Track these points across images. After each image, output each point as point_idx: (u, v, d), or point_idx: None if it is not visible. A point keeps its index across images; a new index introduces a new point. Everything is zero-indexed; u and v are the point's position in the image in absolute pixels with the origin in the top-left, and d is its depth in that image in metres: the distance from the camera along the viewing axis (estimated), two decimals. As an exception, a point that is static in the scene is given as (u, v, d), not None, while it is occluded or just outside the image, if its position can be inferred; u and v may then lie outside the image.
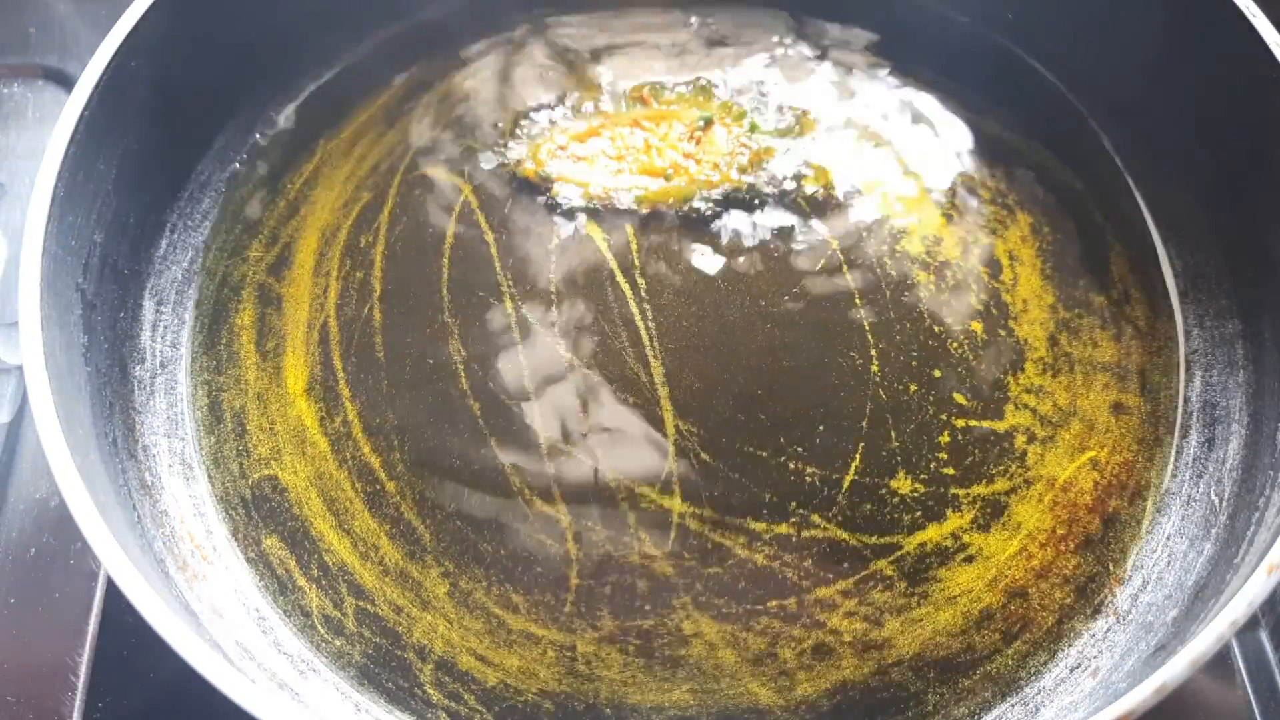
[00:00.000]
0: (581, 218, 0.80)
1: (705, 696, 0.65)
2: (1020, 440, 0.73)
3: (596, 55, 0.88)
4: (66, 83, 0.90)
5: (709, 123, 0.84)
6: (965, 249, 0.80)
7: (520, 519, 0.70)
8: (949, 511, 0.71)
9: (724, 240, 0.80)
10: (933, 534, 0.70)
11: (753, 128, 0.82)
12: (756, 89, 0.86)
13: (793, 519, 0.70)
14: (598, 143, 0.83)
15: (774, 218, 0.80)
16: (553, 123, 0.84)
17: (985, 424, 0.74)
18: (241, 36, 0.79)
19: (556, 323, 0.77)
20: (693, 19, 0.90)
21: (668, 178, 0.81)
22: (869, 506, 0.71)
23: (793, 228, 0.80)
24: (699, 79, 0.87)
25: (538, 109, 0.85)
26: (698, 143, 0.83)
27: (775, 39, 0.89)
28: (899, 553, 0.69)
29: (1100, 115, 0.85)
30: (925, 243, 0.80)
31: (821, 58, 0.89)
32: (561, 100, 0.85)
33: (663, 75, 0.87)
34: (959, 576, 0.69)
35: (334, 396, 0.74)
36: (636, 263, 0.79)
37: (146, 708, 0.70)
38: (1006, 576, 0.69)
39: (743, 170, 0.82)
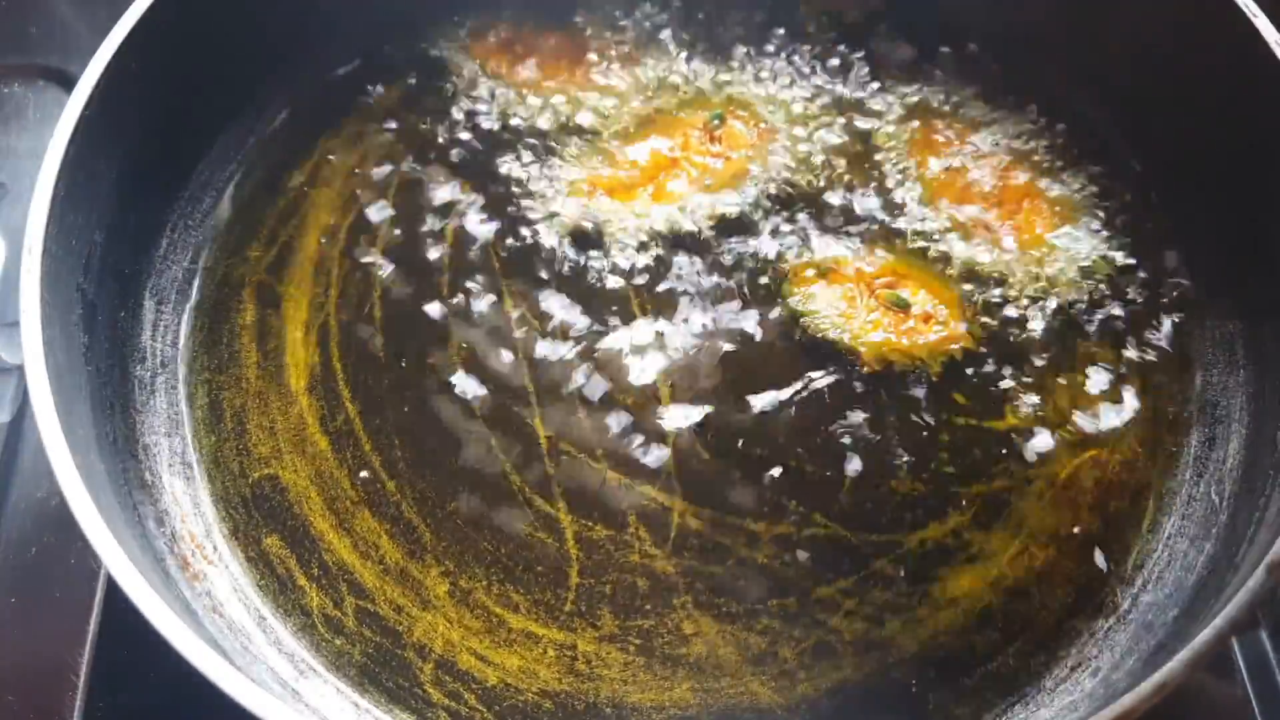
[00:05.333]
0: (593, 219, 0.81)
1: (705, 696, 0.65)
2: (1021, 439, 0.73)
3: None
4: (67, 83, 0.90)
5: (722, 119, 0.84)
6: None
7: (520, 518, 0.70)
8: (949, 510, 0.71)
9: (735, 240, 0.80)
10: (933, 533, 0.70)
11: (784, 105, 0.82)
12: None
13: (793, 518, 0.70)
14: (622, 173, 0.83)
15: (787, 220, 0.81)
16: (562, 148, 0.84)
17: (985, 423, 0.73)
18: (241, 37, 0.79)
19: (557, 323, 0.77)
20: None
21: (706, 186, 0.81)
22: (869, 505, 0.70)
23: (803, 229, 0.80)
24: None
25: (546, 132, 0.85)
26: (719, 141, 0.83)
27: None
28: (900, 551, 0.69)
29: (1099, 115, 0.85)
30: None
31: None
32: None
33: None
34: (960, 576, 0.69)
35: (334, 396, 0.74)
36: (641, 265, 0.79)
37: (146, 708, 0.70)
38: (1007, 576, 0.69)
39: (770, 152, 0.82)
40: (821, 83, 0.87)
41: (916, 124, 0.85)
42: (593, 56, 0.88)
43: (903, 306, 0.76)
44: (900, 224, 0.80)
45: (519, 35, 0.89)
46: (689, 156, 0.83)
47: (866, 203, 0.81)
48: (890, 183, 0.82)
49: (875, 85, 0.86)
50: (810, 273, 0.78)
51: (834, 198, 0.81)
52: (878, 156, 0.83)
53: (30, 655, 0.70)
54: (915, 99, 0.86)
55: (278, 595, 0.68)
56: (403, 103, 0.87)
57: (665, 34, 0.89)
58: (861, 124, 0.85)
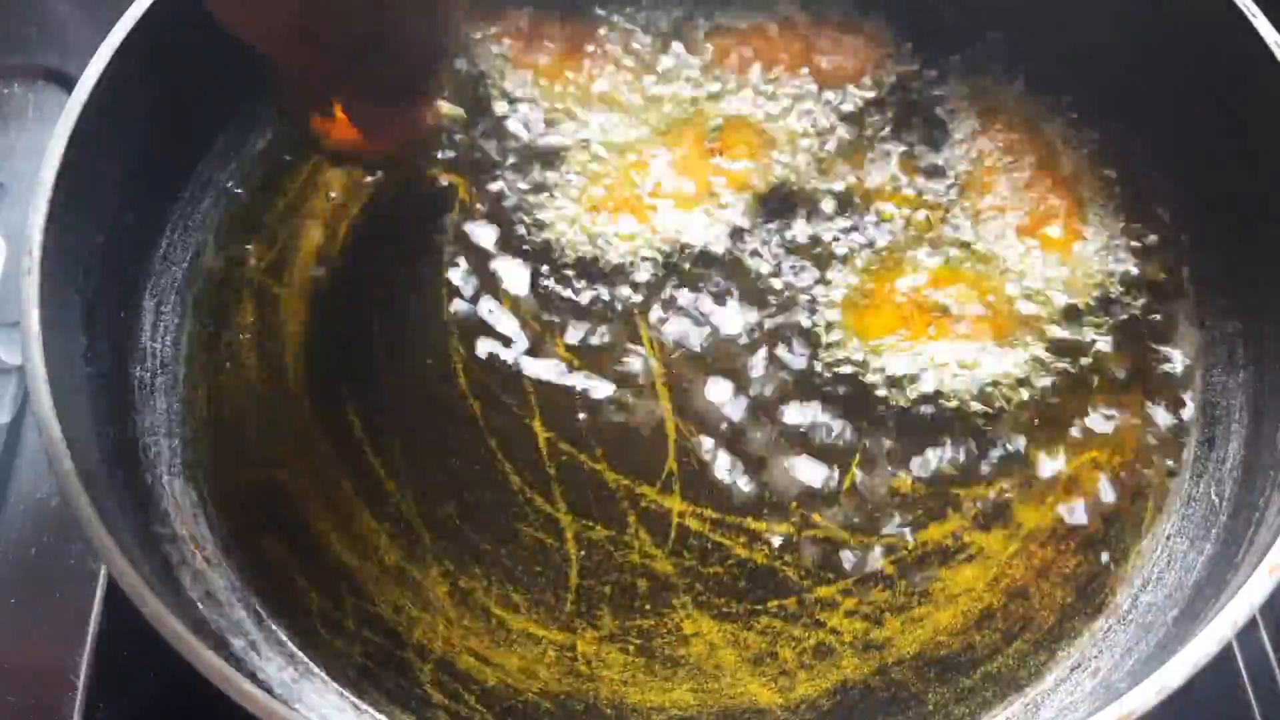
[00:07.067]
0: (592, 225, 0.80)
1: (705, 696, 0.65)
2: (1021, 440, 0.73)
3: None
4: (66, 83, 0.90)
5: (719, 130, 0.84)
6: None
7: (520, 519, 0.70)
8: (949, 511, 0.71)
9: (735, 240, 0.80)
10: (933, 533, 0.70)
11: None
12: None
13: (793, 519, 0.70)
14: (625, 190, 0.82)
15: (797, 225, 0.80)
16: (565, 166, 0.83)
17: (985, 424, 0.73)
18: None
19: (557, 322, 0.77)
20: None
21: (715, 198, 0.81)
22: (869, 506, 0.71)
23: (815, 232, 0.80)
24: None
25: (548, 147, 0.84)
26: (722, 153, 0.83)
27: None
28: (900, 552, 0.69)
29: (1098, 116, 0.85)
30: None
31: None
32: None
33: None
34: (959, 576, 0.69)
35: (334, 396, 0.74)
36: (640, 267, 0.79)
37: (146, 708, 0.70)
38: (1007, 576, 0.69)
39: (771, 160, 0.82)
40: (831, 94, 0.87)
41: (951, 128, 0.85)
42: (608, 65, 0.87)
43: (941, 310, 0.76)
44: (917, 231, 0.80)
45: (529, 37, 0.89)
46: (697, 169, 0.82)
47: (879, 214, 0.81)
48: (908, 187, 0.82)
49: (889, 90, 0.87)
50: (837, 279, 0.78)
51: (838, 200, 0.81)
52: (893, 160, 0.83)
53: (30, 655, 0.70)
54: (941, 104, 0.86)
55: (278, 595, 0.68)
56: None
57: (675, 44, 0.89)
58: (880, 129, 0.85)
